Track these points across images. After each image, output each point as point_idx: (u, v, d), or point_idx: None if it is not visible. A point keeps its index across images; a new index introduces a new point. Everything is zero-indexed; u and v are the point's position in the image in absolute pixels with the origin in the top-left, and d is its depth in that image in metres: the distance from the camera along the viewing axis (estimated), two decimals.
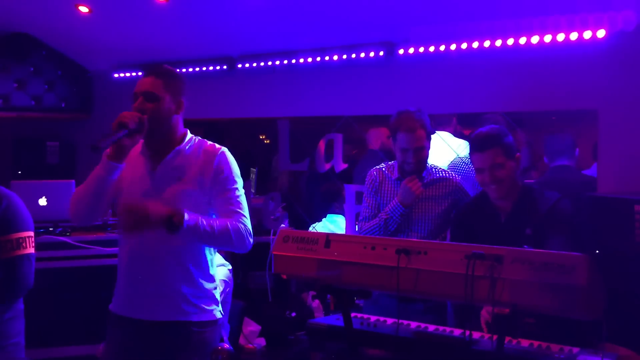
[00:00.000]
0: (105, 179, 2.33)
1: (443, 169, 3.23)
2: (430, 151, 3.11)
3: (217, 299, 2.51)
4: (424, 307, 2.94)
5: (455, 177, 3.17)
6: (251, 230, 2.44)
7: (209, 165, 2.43)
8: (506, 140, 2.67)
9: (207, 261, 2.48)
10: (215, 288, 2.51)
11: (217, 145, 2.51)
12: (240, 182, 2.48)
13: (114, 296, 2.53)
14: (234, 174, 2.46)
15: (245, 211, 2.45)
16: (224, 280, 3.46)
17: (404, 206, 3.00)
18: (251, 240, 2.43)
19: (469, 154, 2.75)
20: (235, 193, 2.44)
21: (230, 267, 3.53)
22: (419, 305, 2.92)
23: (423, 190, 3.02)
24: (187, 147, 2.47)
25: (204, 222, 2.29)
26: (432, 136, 3.12)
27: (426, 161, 3.11)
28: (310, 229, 4.66)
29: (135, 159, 2.49)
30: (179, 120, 2.50)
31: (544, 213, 2.62)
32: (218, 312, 2.51)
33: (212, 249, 2.51)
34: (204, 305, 2.44)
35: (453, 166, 3.81)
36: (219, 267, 3.45)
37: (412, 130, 2.97)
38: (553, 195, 2.69)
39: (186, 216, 2.24)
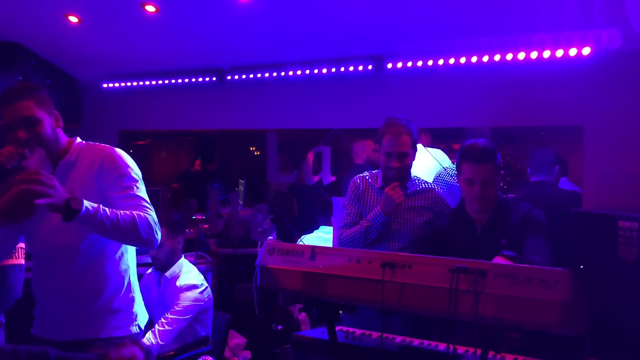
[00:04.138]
0: None
1: (426, 181, 3.26)
2: (413, 161, 3.14)
3: (131, 313, 2.41)
4: (403, 319, 2.93)
5: (437, 189, 3.20)
6: (157, 222, 2.27)
7: (94, 168, 2.29)
8: (498, 157, 2.72)
9: (111, 277, 2.36)
10: (128, 303, 2.40)
11: (106, 146, 2.37)
12: (138, 176, 2.34)
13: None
14: (128, 170, 2.31)
15: (150, 204, 2.30)
16: (197, 305, 3.41)
17: (385, 214, 3.01)
18: (159, 232, 2.27)
19: (459, 163, 2.74)
20: (134, 189, 2.28)
21: (203, 287, 3.48)
22: (399, 317, 2.91)
23: (405, 200, 3.04)
24: (73, 157, 2.34)
25: (107, 210, 2.13)
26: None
27: (409, 170, 3.14)
28: (299, 241, 4.65)
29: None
30: (59, 131, 2.37)
31: (518, 223, 2.67)
32: (135, 327, 2.41)
33: (124, 264, 2.40)
34: (113, 322, 2.35)
35: (438, 178, 3.83)
36: (190, 292, 3.39)
37: (398, 134, 3.02)
38: (525, 206, 2.74)
39: (86, 202, 2.08)
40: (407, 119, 3.10)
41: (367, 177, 3.22)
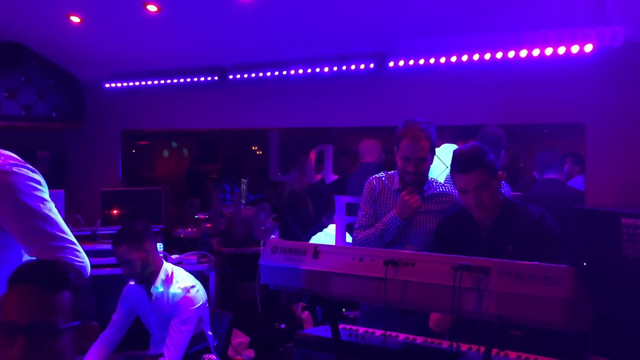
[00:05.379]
0: None
1: (443, 184, 3.20)
2: (431, 165, 3.07)
3: None
4: (420, 320, 2.90)
5: (455, 192, 3.16)
6: (82, 256, 1.97)
7: None
8: (488, 160, 2.57)
9: None
10: None
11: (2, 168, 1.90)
12: (40, 200, 1.92)
13: None
14: (25, 195, 1.88)
15: (68, 234, 1.93)
16: (197, 309, 3.30)
17: (401, 219, 2.97)
18: (87, 267, 1.97)
19: (451, 174, 2.65)
20: (42, 224, 1.88)
21: (197, 287, 3.33)
22: (415, 318, 2.89)
23: (422, 204, 2.99)
24: None
25: None
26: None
27: (427, 174, 3.08)
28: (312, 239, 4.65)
29: None
30: None
31: (528, 230, 2.56)
32: None
33: None
34: None
35: (449, 180, 3.81)
36: (188, 294, 3.25)
37: (417, 139, 2.94)
38: (536, 211, 2.61)
39: None
40: (426, 121, 3.00)
41: (383, 179, 3.14)
